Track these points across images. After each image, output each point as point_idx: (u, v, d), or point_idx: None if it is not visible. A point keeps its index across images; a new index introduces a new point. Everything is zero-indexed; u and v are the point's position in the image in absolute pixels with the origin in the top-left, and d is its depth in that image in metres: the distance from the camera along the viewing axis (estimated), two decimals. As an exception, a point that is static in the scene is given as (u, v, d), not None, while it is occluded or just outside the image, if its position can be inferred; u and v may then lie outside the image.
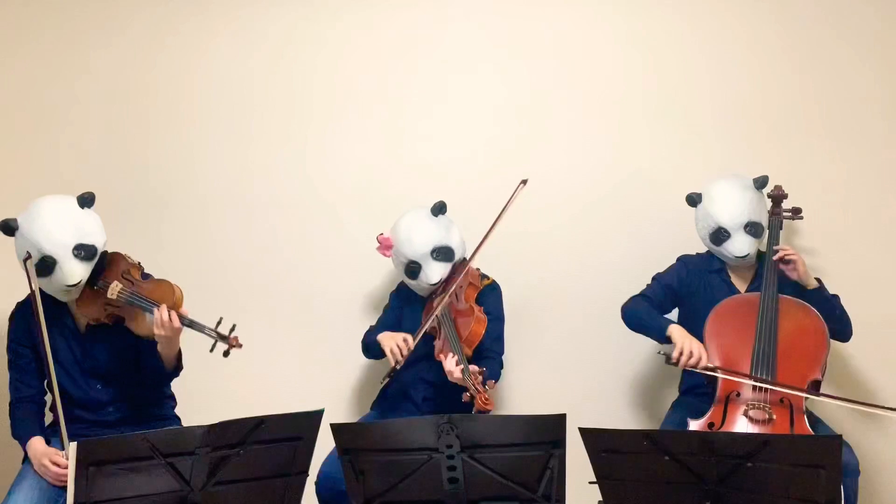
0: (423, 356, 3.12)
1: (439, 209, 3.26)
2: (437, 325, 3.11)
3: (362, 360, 3.54)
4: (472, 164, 3.59)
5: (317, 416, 2.43)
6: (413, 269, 3.20)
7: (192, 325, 2.80)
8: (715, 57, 3.54)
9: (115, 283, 2.86)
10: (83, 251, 2.83)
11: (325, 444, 2.62)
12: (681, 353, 2.95)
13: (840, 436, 2.23)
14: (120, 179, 3.52)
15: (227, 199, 3.60)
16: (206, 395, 3.25)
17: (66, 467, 2.64)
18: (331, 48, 3.62)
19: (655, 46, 3.56)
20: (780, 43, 3.51)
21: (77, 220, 2.86)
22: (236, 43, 3.63)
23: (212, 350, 2.76)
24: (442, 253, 3.19)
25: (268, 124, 3.62)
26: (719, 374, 2.93)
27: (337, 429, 2.38)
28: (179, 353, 2.93)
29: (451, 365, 2.91)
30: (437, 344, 3.10)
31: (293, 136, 3.61)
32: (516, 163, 3.55)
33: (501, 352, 3.23)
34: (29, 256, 2.77)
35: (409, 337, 3.09)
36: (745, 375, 2.91)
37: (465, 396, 2.82)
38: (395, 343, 3.08)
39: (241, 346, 2.76)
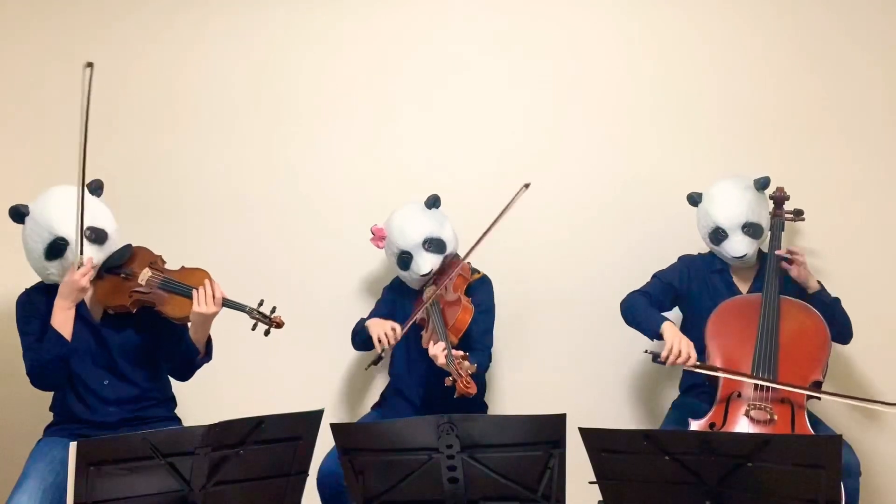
0: (422, 357, 3.12)
1: (433, 202, 3.29)
2: (425, 315, 3.13)
3: (362, 359, 3.54)
4: (472, 166, 3.58)
5: (317, 416, 2.42)
6: (405, 259, 3.22)
7: (233, 305, 2.84)
8: (720, 60, 3.53)
9: (146, 270, 2.88)
10: (94, 234, 2.84)
11: (325, 444, 2.62)
12: (669, 352, 2.93)
13: (840, 435, 2.23)
14: (110, 180, 3.50)
15: (226, 200, 3.60)
16: (206, 395, 3.25)
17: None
18: (327, 48, 3.61)
19: (660, 48, 3.55)
20: (784, 46, 3.51)
21: (87, 204, 2.82)
22: (227, 43, 3.63)
23: (253, 329, 2.83)
24: (434, 244, 3.21)
25: (260, 126, 3.62)
26: (720, 374, 2.93)
27: (337, 429, 2.38)
28: (209, 340, 2.93)
29: (437, 350, 2.95)
30: (425, 334, 3.11)
31: (291, 137, 3.61)
32: (516, 164, 3.55)
33: (490, 344, 3.24)
34: None
35: (397, 326, 3.11)
36: (745, 375, 2.91)
37: (448, 381, 2.87)
38: (384, 331, 3.09)
39: (282, 324, 2.84)
